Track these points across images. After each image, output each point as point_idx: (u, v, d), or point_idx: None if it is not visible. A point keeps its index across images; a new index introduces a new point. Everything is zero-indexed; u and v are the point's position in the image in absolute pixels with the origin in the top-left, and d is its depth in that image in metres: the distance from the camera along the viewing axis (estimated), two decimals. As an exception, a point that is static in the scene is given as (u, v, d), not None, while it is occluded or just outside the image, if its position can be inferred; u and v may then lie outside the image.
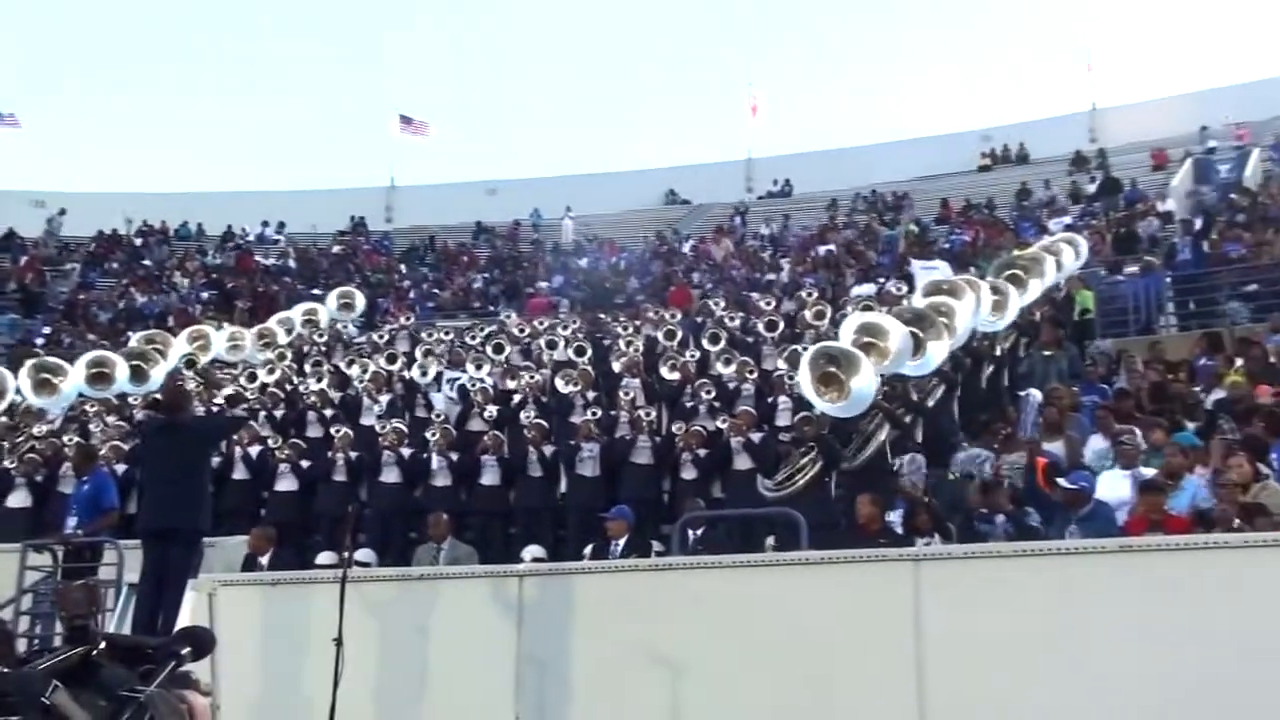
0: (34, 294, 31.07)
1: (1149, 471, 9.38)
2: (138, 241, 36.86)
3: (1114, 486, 9.48)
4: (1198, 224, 21.55)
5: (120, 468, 13.10)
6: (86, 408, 15.46)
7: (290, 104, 50.61)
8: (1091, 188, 29.37)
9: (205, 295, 30.12)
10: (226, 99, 50.62)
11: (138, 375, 13.90)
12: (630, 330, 17.29)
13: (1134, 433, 10.21)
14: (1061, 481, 8.98)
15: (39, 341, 26.01)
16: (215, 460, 12.75)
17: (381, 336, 19.79)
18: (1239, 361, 12.24)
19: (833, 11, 50.38)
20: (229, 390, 15.86)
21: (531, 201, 38.63)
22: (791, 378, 12.17)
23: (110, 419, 15.25)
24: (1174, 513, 8.56)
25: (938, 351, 10.66)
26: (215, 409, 14.58)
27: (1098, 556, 7.29)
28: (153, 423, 10.15)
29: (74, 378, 13.03)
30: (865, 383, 9.48)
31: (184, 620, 7.38)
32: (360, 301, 21.84)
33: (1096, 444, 10.59)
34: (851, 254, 25.94)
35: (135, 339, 17.45)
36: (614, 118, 50.93)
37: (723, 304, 18.84)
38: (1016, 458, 10.19)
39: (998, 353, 13.29)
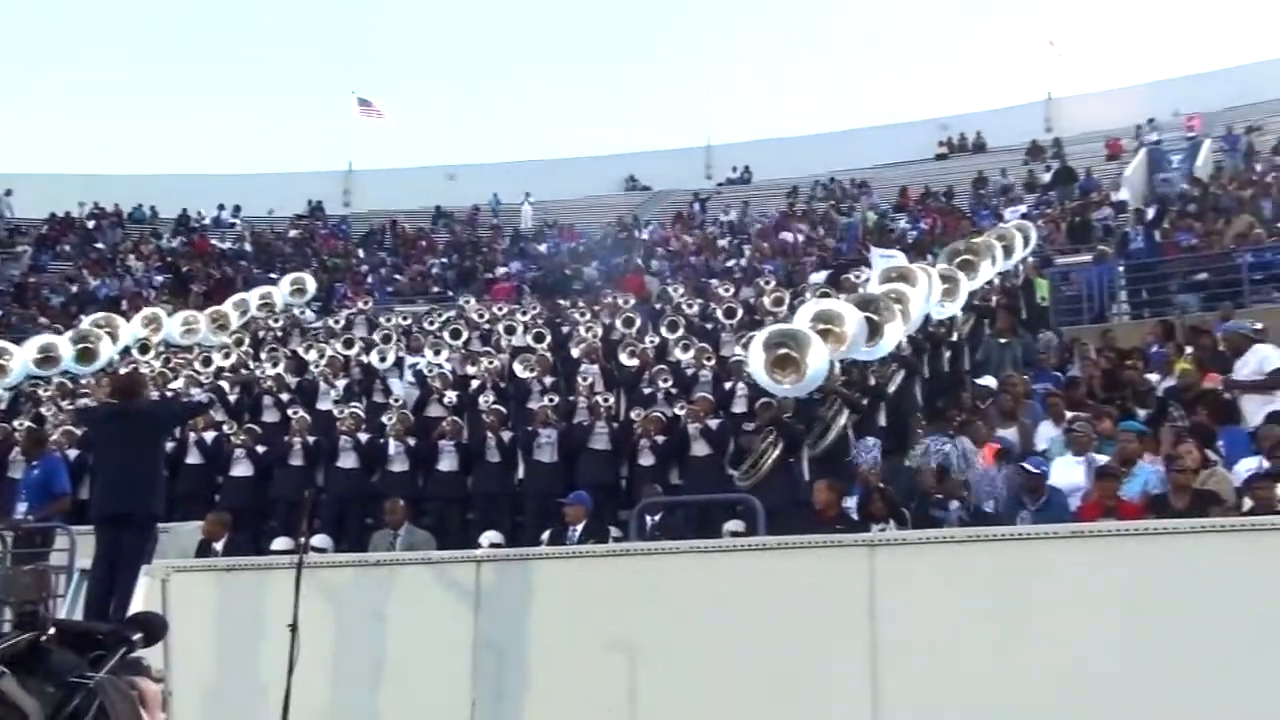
0: (-16, 276, 30.69)
1: (1102, 458, 9.49)
2: (90, 224, 36.39)
3: (1068, 473, 9.60)
4: (1150, 213, 21.80)
5: (72, 453, 12.94)
6: (40, 393, 15.27)
7: (247, 86, 50.15)
8: (1047, 177, 29.63)
9: (159, 279, 29.79)
10: (182, 81, 50.10)
11: (85, 356, 13.78)
12: (589, 316, 17.27)
13: (1086, 419, 10.35)
14: (1026, 465, 9.09)
15: (-12, 324, 25.66)
16: (169, 445, 12.67)
17: (338, 321, 19.65)
18: (1189, 350, 12.40)
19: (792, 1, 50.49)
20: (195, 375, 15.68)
21: (491, 187, 38.47)
22: (745, 364, 12.22)
23: (64, 404, 15.07)
24: (1127, 499, 8.67)
25: (892, 335, 10.74)
26: (170, 394, 14.44)
27: (1051, 542, 7.37)
28: (106, 407, 10.05)
29: (18, 358, 12.86)
30: (818, 360, 9.54)
31: (137, 606, 7.31)
32: (312, 287, 21.66)
33: (1048, 431, 10.71)
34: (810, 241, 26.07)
35: (86, 322, 17.27)
36: (574, 104, 50.89)
37: (682, 291, 18.85)
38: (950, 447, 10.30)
39: (955, 338, 13.42)
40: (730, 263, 25.16)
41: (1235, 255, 17.69)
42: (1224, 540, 6.85)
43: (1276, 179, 23.17)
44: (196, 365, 16.40)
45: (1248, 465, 8.80)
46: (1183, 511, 7.91)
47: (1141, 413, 10.52)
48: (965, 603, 7.19)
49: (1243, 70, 35.69)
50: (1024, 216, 22.58)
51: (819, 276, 19.63)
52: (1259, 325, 12.06)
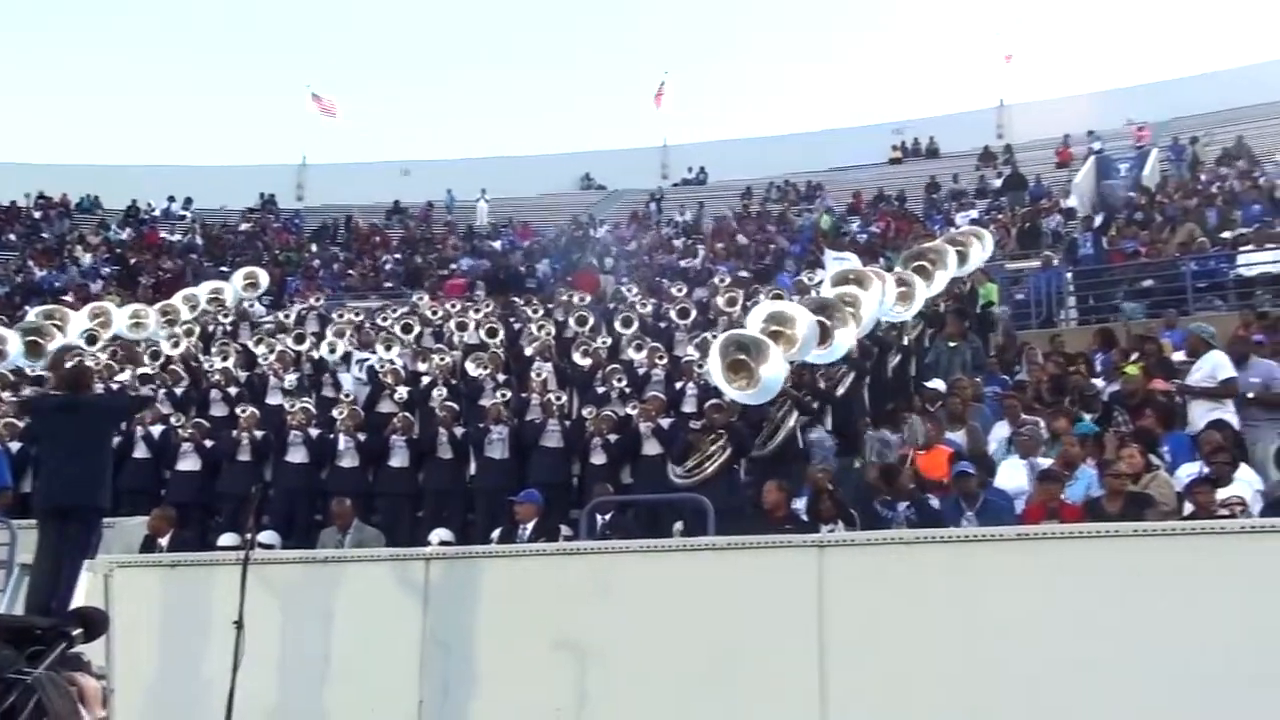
0: (-75, 266, 30.16)
1: (1046, 461, 9.62)
2: (37, 214, 35.86)
3: (1012, 475, 9.72)
4: (1098, 221, 22.09)
5: (15, 445, 12.76)
6: (-21, 384, 15.03)
7: (200, 78, 49.62)
8: (998, 183, 29.95)
9: (107, 271, 29.41)
10: (132, 71, 49.48)
11: (33, 350, 13.58)
12: (542, 314, 17.25)
13: (1036, 423, 10.48)
14: (962, 467, 9.18)
15: (-70, 315, 25.21)
16: (115, 439, 12.52)
17: (289, 316, 19.49)
18: (1134, 355, 12.58)
19: (751, 4, 50.70)
20: (143, 369, 15.47)
21: (446, 183, 38.33)
22: (701, 365, 12.25)
23: (6, 395, 14.85)
24: (1069, 502, 8.79)
25: (844, 339, 10.81)
26: (117, 386, 14.27)
27: (996, 544, 7.46)
28: (52, 399, 9.91)
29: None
30: (774, 370, 9.58)
31: (79, 601, 7.22)
32: (265, 281, 21.44)
33: (1001, 432, 10.83)
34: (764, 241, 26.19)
35: (33, 314, 17.02)
36: (531, 102, 50.81)
37: (635, 290, 18.87)
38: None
39: (905, 342, 13.53)
40: (684, 262, 25.21)
41: (1179, 264, 17.96)
42: (1163, 543, 6.97)
43: (1220, 189, 23.56)
44: (145, 358, 16.21)
45: (1189, 470, 8.96)
46: (1116, 515, 8.03)
47: (1087, 417, 10.67)
48: (913, 603, 7.26)
49: (1191, 81, 36.33)
50: (974, 222, 22.83)
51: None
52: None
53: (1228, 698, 6.25)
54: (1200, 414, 10.21)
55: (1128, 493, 8.38)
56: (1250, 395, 10.18)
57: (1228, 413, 10.14)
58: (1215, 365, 10.52)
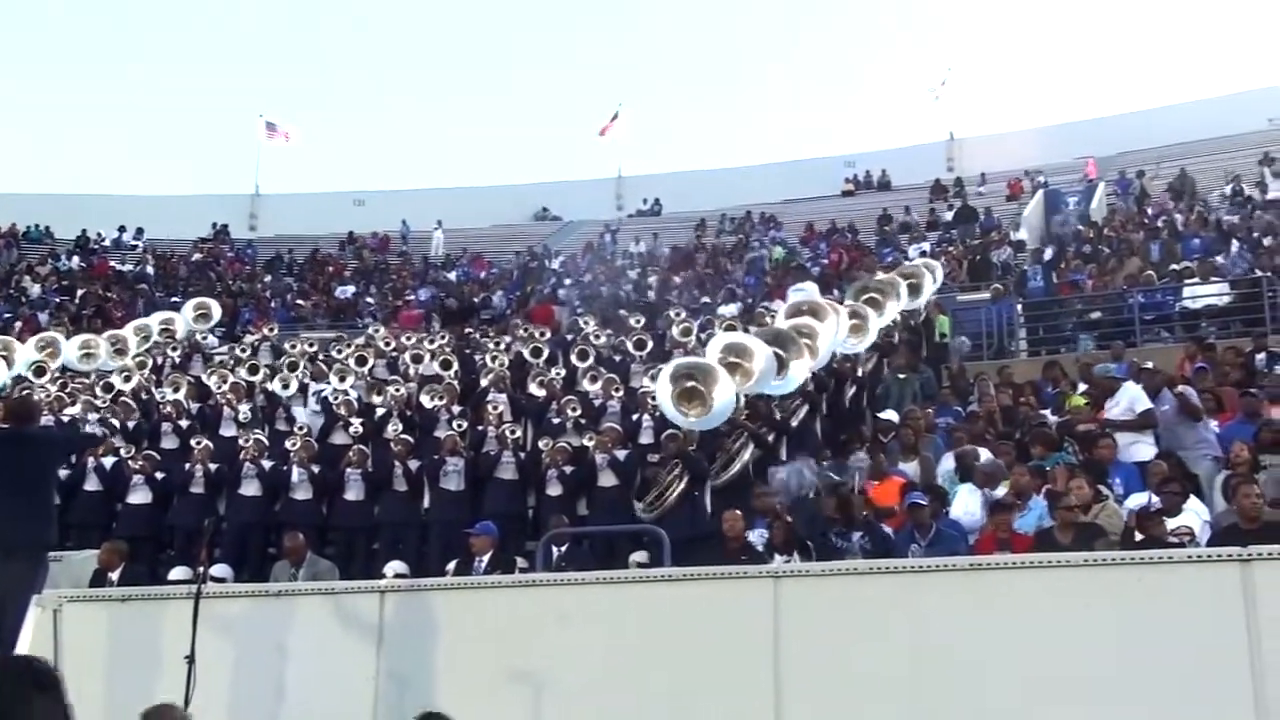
0: None
1: (999, 492, 9.73)
2: (-17, 243, 35.43)
3: (967, 504, 9.81)
4: (1048, 253, 22.41)
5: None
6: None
7: (153, 106, 49.29)
8: (949, 215, 30.30)
9: (57, 301, 29.05)
10: (82, 98, 49.07)
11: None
12: (498, 345, 17.24)
13: (975, 452, 10.62)
14: (914, 498, 9.26)
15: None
16: (65, 472, 12.35)
17: (243, 348, 19.34)
18: (1082, 386, 12.77)
19: (703, 37, 51.16)
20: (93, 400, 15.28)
21: (400, 213, 38.26)
22: (652, 396, 12.30)
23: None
24: (1021, 532, 8.89)
25: (799, 371, 10.88)
26: (65, 420, 14.10)
27: (949, 574, 7.53)
28: (-4, 432, 9.77)
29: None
30: (725, 394, 9.63)
31: (26, 637, 7.12)
32: (217, 312, 21.26)
33: (950, 463, 10.94)
34: (717, 272, 26.34)
35: (-21, 345, 16.77)
36: (485, 133, 50.90)
37: (592, 322, 18.92)
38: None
39: (859, 374, 13.65)
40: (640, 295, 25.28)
41: (1127, 296, 18.25)
42: (1112, 573, 7.07)
43: (1166, 222, 23.98)
44: (96, 390, 16.04)
45: (1138, 500, 9.09)
46: (1068, 545, 8.13)
47: (1036, 449, 10.77)
48: (868, 633, 7.31)
49: (1136, 116, 37.03)
50: (924, 254, 23.08)
51: (728, 309, 19.88)
52: (1142, 363, 12.61)
53: (1176, 725, 6.34)
54: (1123, 443, 10.54)
55: (1079, 523, 8.48)
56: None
57: (1148, 443, 10.53)
58: (1132, 398, 10.92)
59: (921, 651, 7.18)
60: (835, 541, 9.31)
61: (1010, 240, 25.94)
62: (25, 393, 12.39)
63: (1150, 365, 12.87)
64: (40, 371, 16.42)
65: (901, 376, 13.57)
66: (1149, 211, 25.93)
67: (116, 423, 14.39)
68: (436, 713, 3.46)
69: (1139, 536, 8.33)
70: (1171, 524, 8.41)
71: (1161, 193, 28.10)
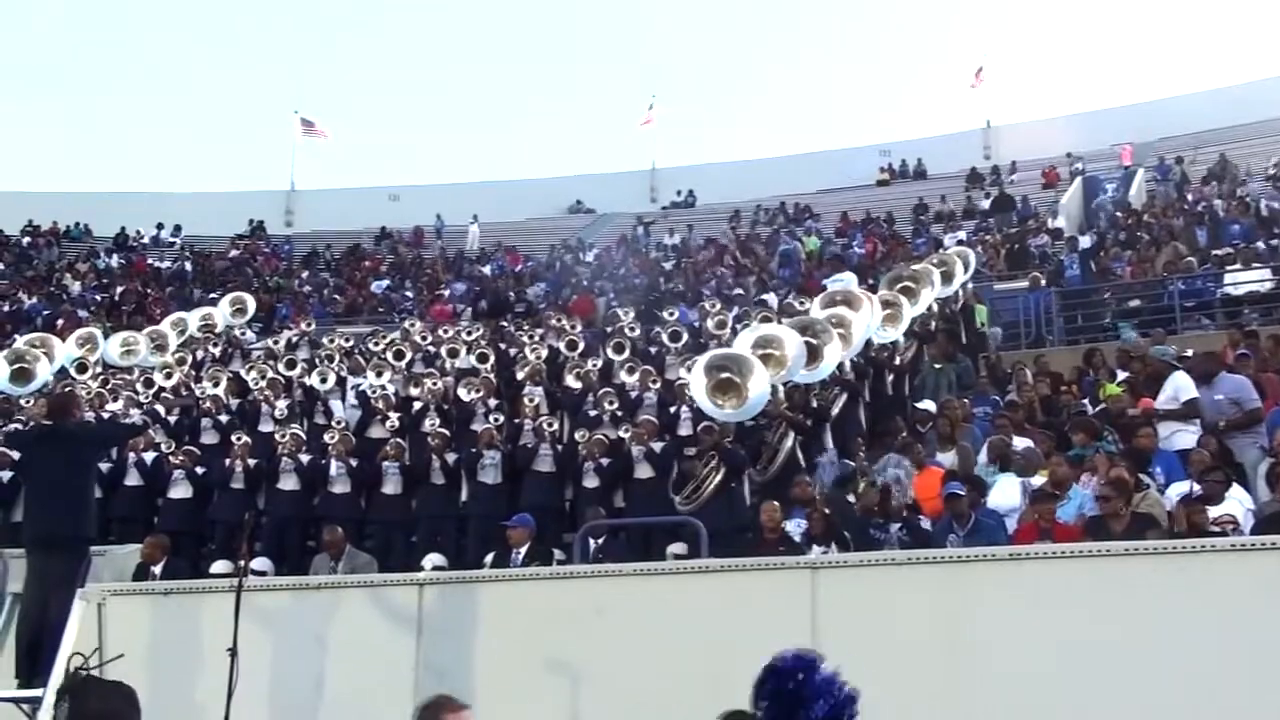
0: (-85, 295, 30.10)
1: (1038, 480, 9.65)
2: (25, 242, 35.84)
3: (1005, 495, 9.74)
4: (1086, 241, 22.20)
5: (5, 475, 12.72)
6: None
7: (190, 106, 49.70)
8: (985, 204, 30.08)
9: (98, 298, 29.38)
10: (122, 99, 49.56)
11: (19, 376, 13.54)
12: (534, 338, 17.27)
13: (1028, 443, 10.53)
14: (952, 488, 9.20)
15: (-80, 344, 25.12)
16: (106, 466, 12.49)
17: (279, 343, 19.47)
18: (1120, 375, 12.65)
19: (736, 28, 51.00)
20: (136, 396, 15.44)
21: (434, 208, 38.39)
22: (688, 388, 12.29)
23: (-2, 423, 14.83)
24: (1062, 521, 8.81)
25: (831, 357, 10.83)
26: (108, 415, 14.25)
27: (988, 564, 7.48)
28: (37, 428, 9.89)
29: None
30: (759, 386, 9.60)
31: (72, 631, 7.20)
32: (251, 307, 21.42)
33: (981, 456, 10.85)
34: (754, 264, 26.28)
35: (20, 341, 16.97)
36: (520, 127, 50.98)
37: (629, 314, 18.92)
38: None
39: (898, 362, 13.59)
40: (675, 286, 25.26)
41: (1166, 283, 18.06)
42: (1157, 563, 7.00)
43: (1206, 208, 23.70)
44: (138, 386, 16.19)
45: (1179, 489, 8.99)
46: (1121, 534, 8.04)
47: (1078, 438, 10.67)
48: (906, 624, 7.28)
49: (1175, 101, 36.60)
50: (960, 243, 22.92)
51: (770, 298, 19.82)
52: (1182, 351, 12.47)
53: (1218, 712, 6.28)
54: (1164, 433, 10.44)
55: (1133, 513, 8.38)
56: (1221, 424, 10.30)
57: (1191, 433, 10.36)
58: (1178, 388, 10.78)
59: (960, 642, 7.14)
60: (874, 533, 9.27)
61: (1048, 228, 25.73)
62: (67, 389, 12.50)
63: (1190, 353, 12.73)
64: (82, 368, 16.60)
65: (938, 366, 13.49)
66: (1189, 198, 25.65)
67: (164, 413, 14.51)
68: (740, 711, 3.49)
69: (1181, 526, 8.24)
70: (1214, 512, 8.31)
71: (1200, 179, 27.78)
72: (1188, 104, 35.65)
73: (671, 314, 18.27)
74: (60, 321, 25.16)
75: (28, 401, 14.63)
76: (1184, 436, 10.37)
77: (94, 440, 9.22)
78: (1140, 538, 7.81)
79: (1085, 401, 12.27)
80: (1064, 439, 10.68)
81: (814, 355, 10.56)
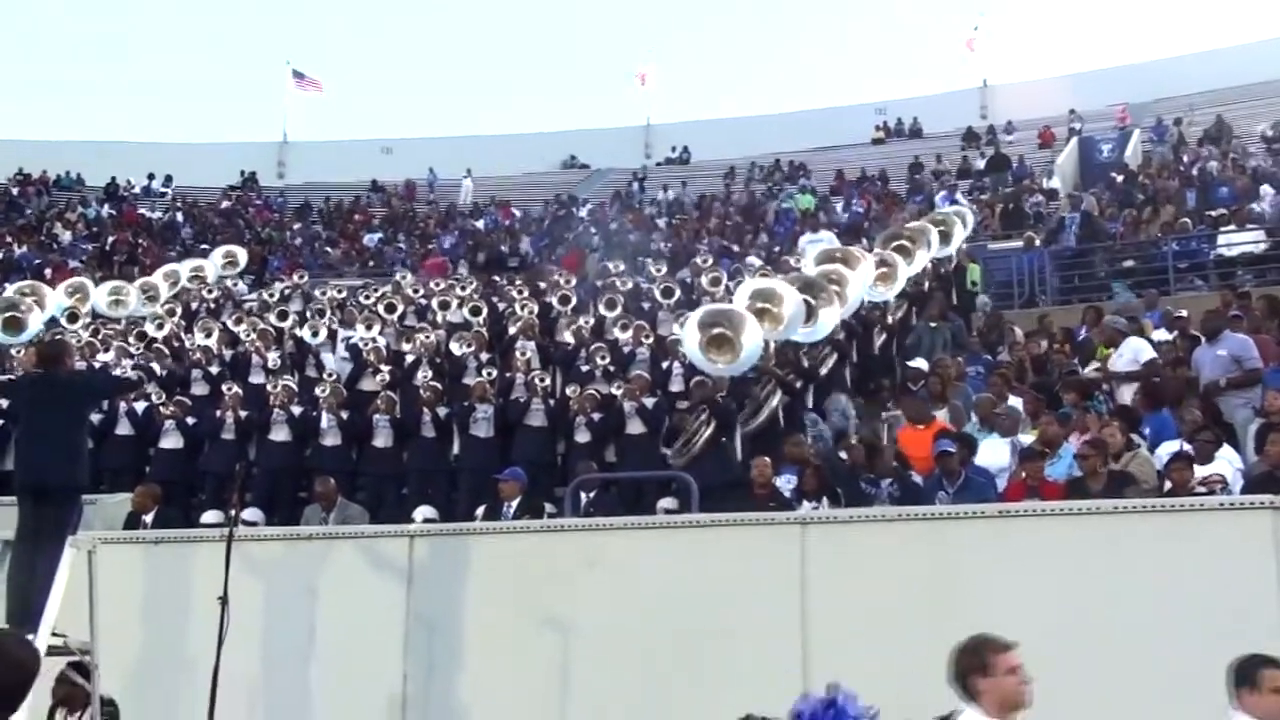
0: (-97, 243, 29.91)
1: (1028, 439, 9.68)
2: (15, 191, 35.61)
3: (994, 453, 9.77)
4: (1088, 201, 22.15)
5: (-4, 422, 12.70)
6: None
7: (180, 54, 49.17)
8: (981, 163, 29.98)
9: (88, 248, 29.23)
10: (113, 46, 49.08)
11: (11, 325, 13.50)
12: (525, 293, 17.23)
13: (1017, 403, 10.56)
14: (942, 445, 9.22)
15: (-91, 292, 25.00)
16: (98, 416, 12.46)
17: (272, 295, 19.42)
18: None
19: (733, -19, 50.54)
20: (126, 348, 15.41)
21: (427, 161, 38.16)
22: (680, 343, 12.29)
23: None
24: (1051, 480, 8.84)
25: (829, 318, 10.84)
26: (98, 365, 14.22)
27: (977, 521, 7.52)
28: (27, 377, 9.84)
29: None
30: (753, 339, 9.60)
31: (62, 579, 7.20)
32: (243, 259, 21.34)
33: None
34: (746, 221, 26.22)
35: (10, 289, 16.89)
36: (513, 81, 50.47)
37: (620, 268, 18.87)
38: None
39: (889, 321, 13.58)
40: (665, 244, 25.19)
41: (1161, 244, 18.03)
42: (1144, 520, 7.04)
43: (1201, 170, 23.64)
44: (130, 338, 16.15)
45: (1169, 448, 9.03)
46: (1099, 493, 8.08)
47: (1069, 397, 10.70)
48: (894, 579, 7.33)
49: (1172, 62, 36.39)
50: (954, 203, 22.84)
51: (756, 259, 19.79)
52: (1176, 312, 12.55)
53: (1206, 670, 6.33)
54: (1125, 395, 10.62)
55: (1110, 471, 8.42)
56: (1223, 382, 10.34)
57: None
58: (1136, 350, 11.04)
59: (947, 596, 7.19)
60: (865, 489, 9.30)
61: (1043, 188, 25.65)
62: (58, 337, 12.45)
63: (1184, 314, 12.76)
64: (73, 318, 16.55)
65: (933, 325, 13.49)
66: (1184, 158, 25.57)
67: (157, 368, 14.50)
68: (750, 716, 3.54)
69: (1169, 484, 8.28)
70: (1204, 471, 8.35)
71: (1198, 140, 27.68)
72: (1186, 65, 35.45)
73: (660, 269, 18.23)
74: (50, 271, 25.04)
75: (17, 351, 14.57)
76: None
77: (91, 391, 9.16)
78: (1118, 496, 7.85)
79: (1075, 361, 12.29)
80: (1055, 399, 10.70)
81: (811, 314, 10.55)
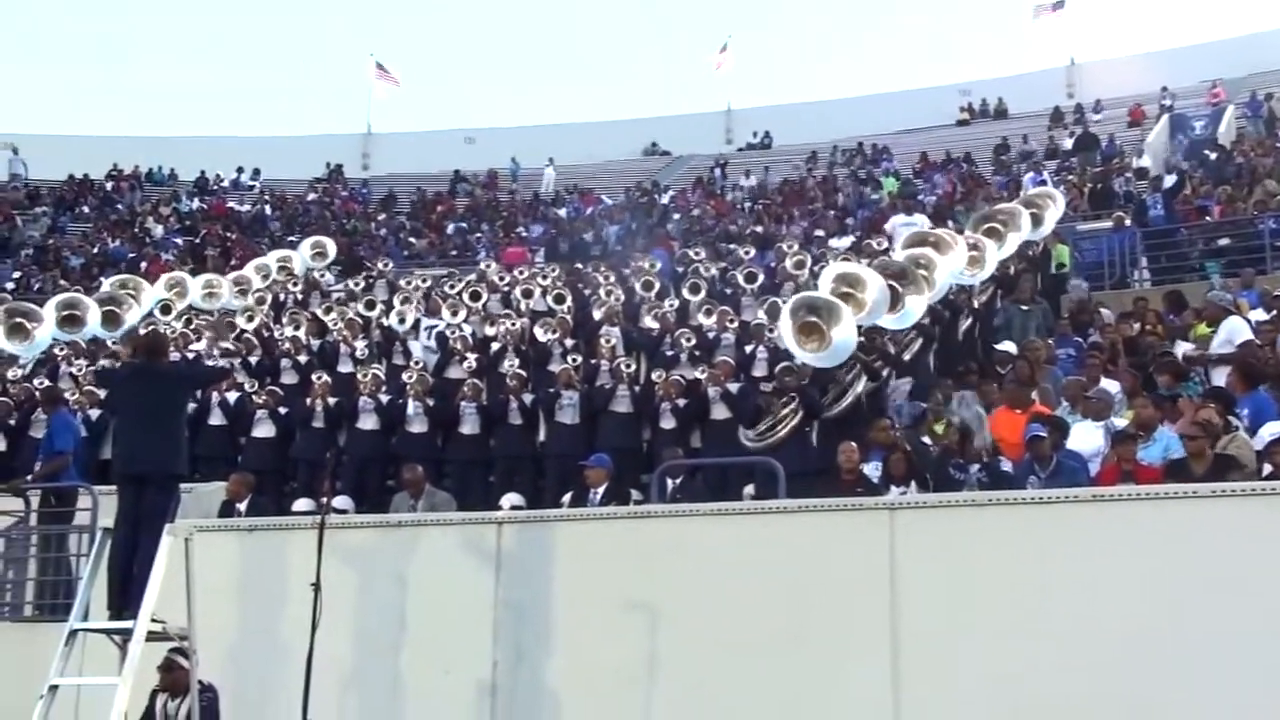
0: (1, 238, 30.80)
1: (1121, 422, 9.48)
2: (109, 186, 36.50)
3: (1086, 437, 9.58)
4: (1168, 180, 21.62)
5: (94, 413, 13.03)
6: (56, 351, 15.37)
7: (266, 50, 50.03)
8: (1069, 143, 29.39)
9: (179, 241, 29.86)
10: (198, 42, 50.06)
11: (110, 320, 13.85)
12: (610, 280, 17.24)
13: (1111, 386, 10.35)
14: (1034, 429, 9.06)
15: (8, 286, 25.79)
16: (191, 406, 12.73)
17: (359, 284, 19.67)
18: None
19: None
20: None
21: (510, 151, 38.36)
22: (772, 329, 12.19)
23: (81, 363, 15.18)
24: (1145, 463, 8.65)
25: (916, 305, 10.68)
26: (192, 355, 14.53)
27: (1069, 505, 7.38)
28: (128, 366, 10.09)
29: (47, 322, 12.87)
30: (846, 333, 9.49)
31: (160, 566, 7.37)
32: (332, 250, 21.66)
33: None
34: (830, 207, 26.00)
35: (108, 284, 17.32)
36: (594, 68, 50.62)
37: (702, 254, 18.82)
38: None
39: (975, 305, 13.37)
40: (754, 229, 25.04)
41: (1257, 221, 17.53)
42: (1242, 504, 6.86)
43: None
44: (225, 330, 16.45)
45: (1271, 430, 8.77)
46: (1201, 477, 7.88)
47: (1163, 379, 10.46)
48: (984, 565, 7.23)
49: (1266, 36, 35.29)
50: (1042, 183, 22.40)
51: (840, 243, 19.63)
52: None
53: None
54: (1217, 378, 10.32)
55: (1215, 454, 8.21)
56: None
57: None
58: (1232, 330, 10.72)
59: (1040, 583, 7.08)
60: (954, 473, 9.18)
61: (1133, 167, 25.08)
62: (153, 329, 12.75)
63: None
64: (166, 309, 16.94)
65: (1024, 308, 13.26)
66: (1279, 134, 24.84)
67: (250, 359, 14.77)
68: None
69: (1269, 468, 8.06)
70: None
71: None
72: (1276, 39, 34.36)
73: (748, 253, 18.14)
74: (144, 265, 25.63)
75: (114, 342, 14.94)
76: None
77: (188, 380, 9.42)
78: (1222, 479, 7.65)
79: (1168, 343, 12.00)
80: (1149, 380, 10.47)
81: (896, 301, 10.40)
